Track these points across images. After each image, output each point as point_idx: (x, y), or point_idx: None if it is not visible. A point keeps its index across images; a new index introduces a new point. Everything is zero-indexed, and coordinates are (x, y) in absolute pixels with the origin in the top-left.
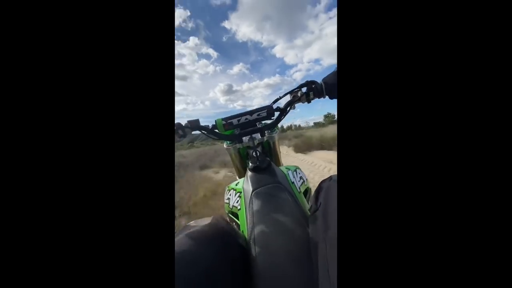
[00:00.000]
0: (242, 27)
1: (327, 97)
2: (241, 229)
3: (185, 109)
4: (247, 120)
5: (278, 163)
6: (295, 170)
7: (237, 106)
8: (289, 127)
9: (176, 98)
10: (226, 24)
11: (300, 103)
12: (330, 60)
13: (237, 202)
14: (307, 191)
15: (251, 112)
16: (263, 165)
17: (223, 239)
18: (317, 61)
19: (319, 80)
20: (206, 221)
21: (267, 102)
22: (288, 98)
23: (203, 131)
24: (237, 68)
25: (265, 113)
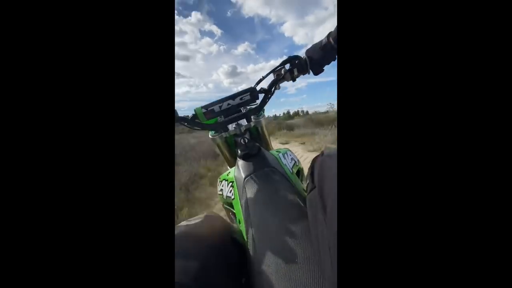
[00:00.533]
0: (248, 0)
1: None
2: (237, 218)
3: (188, 92)
4: (230, 105)
5: (268, 148)
6: (286, 153)
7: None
8: (296, 113)
9: (179, 80)
10: None
11: (285, 82)
12: None
13: (230, 192)
14: (299, 172)
15: (233, 96)
16: (253, 151)
17: (216, 238)
18: None
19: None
20: (197, 219)
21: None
22: (271, 78)
23: (183, 123)
24: (242, 48)
25: (248, 96)
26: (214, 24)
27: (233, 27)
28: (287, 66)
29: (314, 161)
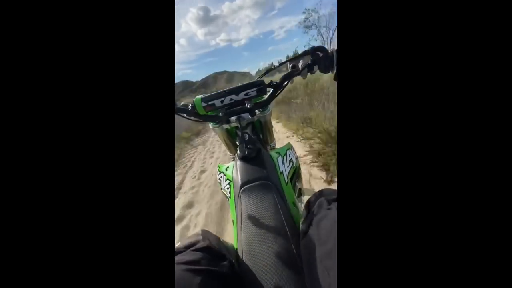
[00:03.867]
0: None
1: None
2: (232, 218)
3: None
4: (233, 101)
5: (270, 140)
6: (286, 154)
7: (221, 42)
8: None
9: None
10: None
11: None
12: None
13: (227, 189)
14: (295, 172)
15: (237, 91)
16: (252, 154)
17: (211, 262)
18: None
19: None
20: (193, 238)
21: (257, 32)
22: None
23: (181, 114)
24: None
25: (255, 91)
26: None
27: None
28: (308, 58)
29: (310, 200)
